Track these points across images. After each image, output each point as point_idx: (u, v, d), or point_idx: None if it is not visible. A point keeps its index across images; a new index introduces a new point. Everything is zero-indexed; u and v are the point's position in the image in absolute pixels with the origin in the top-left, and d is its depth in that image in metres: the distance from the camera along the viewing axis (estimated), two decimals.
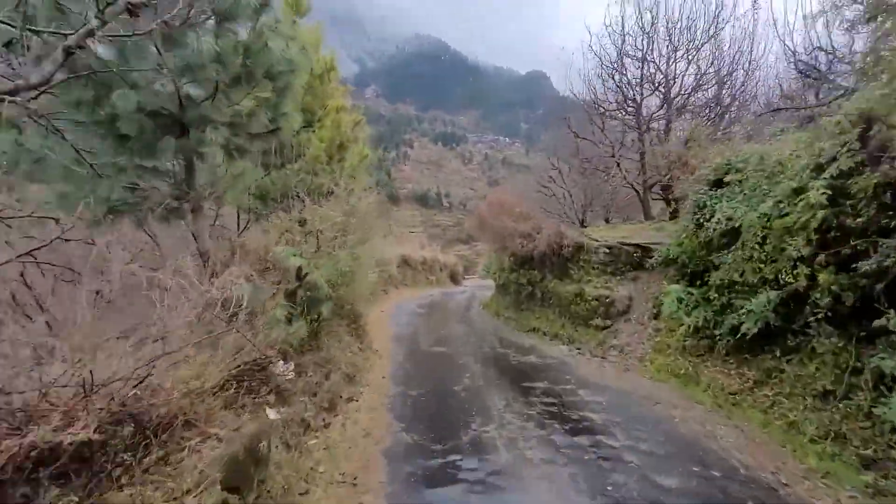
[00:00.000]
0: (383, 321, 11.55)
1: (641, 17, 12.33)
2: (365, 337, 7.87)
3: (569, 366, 7.38)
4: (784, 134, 6.08)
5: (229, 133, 4.55)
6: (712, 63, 12.42)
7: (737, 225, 5.64)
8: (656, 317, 8.51)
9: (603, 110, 13.15)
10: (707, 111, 12.89)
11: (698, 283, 7.01)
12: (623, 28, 12.57)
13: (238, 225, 5.76)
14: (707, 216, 6.36)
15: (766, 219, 5.14)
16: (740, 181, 6.16)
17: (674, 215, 13.94)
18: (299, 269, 4.36)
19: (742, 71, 12.27)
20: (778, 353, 5.47)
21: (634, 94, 13.05)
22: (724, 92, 12.63)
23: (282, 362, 4.08)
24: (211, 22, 3.86)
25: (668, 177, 8.17)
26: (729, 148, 6.70)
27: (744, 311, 5.64)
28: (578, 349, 8.81)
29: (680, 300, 7.16)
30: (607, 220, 19.85)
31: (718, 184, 6.71)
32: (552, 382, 6.27)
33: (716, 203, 6.36)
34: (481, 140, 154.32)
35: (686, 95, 12.86)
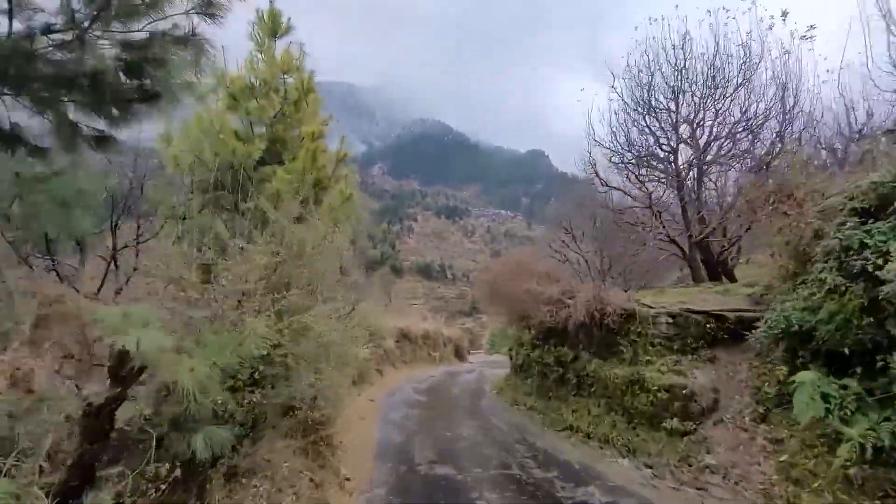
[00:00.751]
0: (369, 416, 8.69)
1: (671, 55, 10.98)
2: (332, 455, 5.11)
3: None
4: None
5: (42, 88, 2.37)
6: (746, 110, 10.88)
7: None
8: (764, 419, 5.78)
9: (634, 155, 11.34)
10: (747, 157, 11.12)
11: (857, 371, 4.43)
12: (651, 69, 11.18)
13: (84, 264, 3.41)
14: (875, 263, 3.97)
15: None
16: None
17: (707, 274, 11.51)
18: (121, 356, 1.96)
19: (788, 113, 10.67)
20: None
21: (669, 140, 11.35)
22: (757, 142, 10.97)
23: None
24: None
25: (772, 208, 5.90)
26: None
27: None
28: (651, 468, 5.93)
29: (826, 397, 4.53)
30: (626, 290, 17.43)
31: (869, 213, 4.42)
32: None
33: (885, 241, 4.01)
34: (483, 213, 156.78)
35: (725, 141, 11.16)
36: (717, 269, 11.78)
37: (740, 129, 10.96)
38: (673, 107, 11.21)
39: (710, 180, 11.01)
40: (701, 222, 11.27)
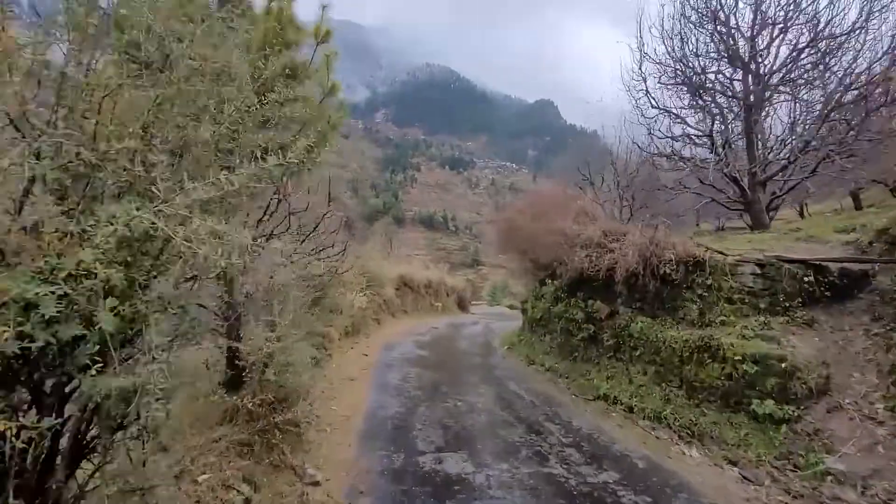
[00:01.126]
0: (360, 376, 7.16)
1: None
2: (292, 448, 3.49)
3: None
4: None
5: None
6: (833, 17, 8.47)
7: None
8: None
9: (693, 71, 9.07)
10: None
11: None
12: None
13: None
14: None
15: None
16: None
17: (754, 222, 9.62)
18: None
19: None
20: None
21: (739, 52, 9.02)
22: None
23: None
24: None
25: None
26: None
27: None
28: (736, 465, 4.36)
29: None
30: None
31: None
32: None
33: None
34: (488, 165, 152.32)
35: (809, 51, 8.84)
36: (767, 217, 9.93)
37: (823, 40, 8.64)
38: (749, 9, 8.80)
39: (793, 98, 8.80)
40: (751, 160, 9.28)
